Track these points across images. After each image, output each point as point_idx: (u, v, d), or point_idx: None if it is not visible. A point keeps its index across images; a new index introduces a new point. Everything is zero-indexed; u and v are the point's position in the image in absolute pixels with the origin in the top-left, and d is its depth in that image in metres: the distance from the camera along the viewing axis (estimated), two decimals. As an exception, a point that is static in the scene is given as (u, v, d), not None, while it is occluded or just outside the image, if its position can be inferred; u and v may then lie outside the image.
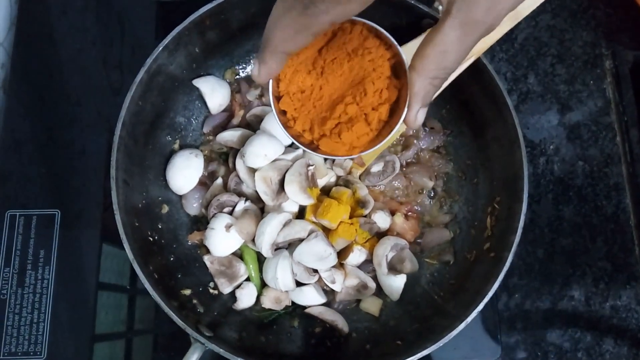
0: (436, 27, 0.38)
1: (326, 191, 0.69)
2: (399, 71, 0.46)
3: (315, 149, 0.49)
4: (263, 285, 0.68)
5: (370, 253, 0.68)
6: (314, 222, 0.66)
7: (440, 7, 0.63)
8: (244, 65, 0.75)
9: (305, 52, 0.47)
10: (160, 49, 0.62)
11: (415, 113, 0.43)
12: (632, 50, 0.84)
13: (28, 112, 0.77)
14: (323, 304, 0.68)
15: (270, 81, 0.47)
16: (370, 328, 0.68)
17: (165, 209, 0.69)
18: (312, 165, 0.66)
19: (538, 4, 0.57)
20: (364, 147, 0.48)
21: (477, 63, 0.61)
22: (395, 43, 0.45)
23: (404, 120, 0.44)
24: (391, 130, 0.46)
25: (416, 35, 0.61)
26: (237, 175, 0.68)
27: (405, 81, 0.44)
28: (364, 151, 0.48)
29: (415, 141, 0.73)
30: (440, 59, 0.39)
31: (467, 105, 0.70)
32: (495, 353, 0.70)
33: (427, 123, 0.74)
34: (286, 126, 0.49)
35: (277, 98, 0.48)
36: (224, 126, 0.73)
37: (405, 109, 0.43)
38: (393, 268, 0.67)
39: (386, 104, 0.46)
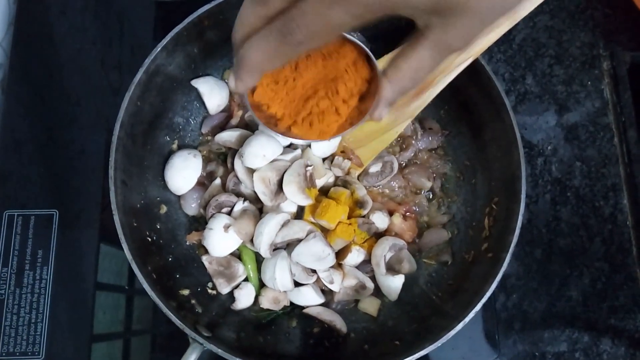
0: (411, 44, 0.41)
1: (324, 191, 0.69)
2: (370, 64, 0.48)
3: (286, 132, 0.50)
4: (261, 286, 0.68)
5: (369, 253, 0.68)
6: (312, 223, 0.66)
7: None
8: (243, 66, 0.75)
9: None
10: (159, 49, 0.62)
11: (381, 111, 0.46)
12: (630, 51, 0.84)
13: (27, 112, 0.77)
14: (321, 304, 0.68)
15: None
16: (368, 328, 0.68)
17: (164, 209, 0.70)
18: (310, 166, 0.66)
19: (536, 4, 0.57)
20: (335, 133, 0.50)
21: (475, 64, 0.61)
22: (367, 49, 0.48)
23: (370, 115, 0.47)
24: (361, 115, 0.48)
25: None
26: (236, 176, 0.69)
27: (375, 74, 0.47)
28: (334, 136, 0.50)
29: (413, 142, 0.73)
30: (411, 73, 0.43)
31: (465, 105, 0.70)
32: (493, 353, 0.70)
33: (426, 124, 0.74)
34: (259, 111, 0.50)
35: (252, 90, 0.50)
36: (223, 126, 0.73)
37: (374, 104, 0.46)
38: (391, 268, 0.67)
39: (356, 95, 0.48)
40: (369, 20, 0.37)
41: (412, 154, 0.73)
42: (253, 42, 0.40)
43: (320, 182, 0.68)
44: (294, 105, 0.49)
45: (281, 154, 0.67)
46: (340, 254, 0.67)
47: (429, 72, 0.43)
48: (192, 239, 0.70)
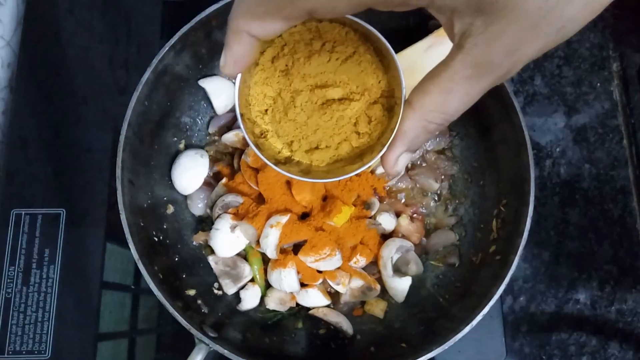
0: (444, 62, 0.32)
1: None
2: (390, 109, 0.41)
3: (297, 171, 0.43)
4: (267, 287, 0.68)
5: (376, 255, 0.68)
6: (319, 223, 0.66)
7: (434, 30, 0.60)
8: (250, 66, 0.75)
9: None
10: (167, 48, 0.62)
11: (398, 155, 0.36)
12: (639, 52, 0.84)
13: (34, 110, 0.77)
14: (327, 306, 0.68)
15: (238, 77, 0.40)
16: (374, 330, 0.68)
17: (171, 209, 0.69)
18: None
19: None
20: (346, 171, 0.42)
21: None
22: (400, 72, 0.39)
23: (382, 161, 0.38)
24: (363, 164, 0.41)
25: (423, 37, 0.61)
26: (242, 176, 0.68)
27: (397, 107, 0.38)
28: (337, 177, 0.42)
29: (421, 143, 0.72)
30: (442, 99, 0.33)
31: (474, 107, 0.68)
32: (500, 356, 0.70)
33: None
34: (258, 147, 0.43)
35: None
36: (230, 126, 0.73)
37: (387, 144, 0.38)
38: (398, 270, 0.66)
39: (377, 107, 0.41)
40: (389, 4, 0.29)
41: (420, 155, 0.73)
42: (243, 1, 0.33)
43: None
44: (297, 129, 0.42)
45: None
46: (347, 256, 0.67)
47: (463, 103, 0.33)
48: (198, 239, 0.69)
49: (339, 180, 0.66)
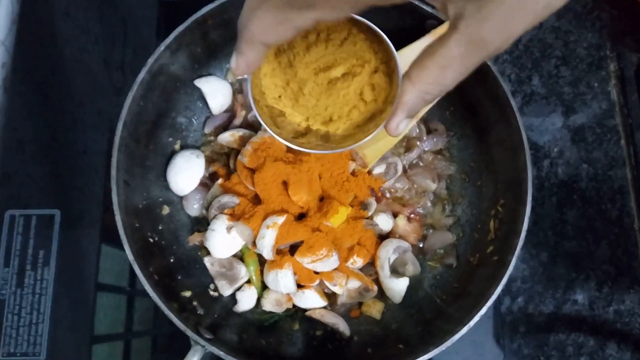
0: (440, 40, 0.36)
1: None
2: (390, 74, 0.46)
3: (315, 145, 0.48)
4: (264, 288, 0.68)
5: (373, 256, 0.68)
6: (316, 224, 0.66)
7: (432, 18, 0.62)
8: (246, 66, 0.75)
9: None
10: (162, 48, 0.62)
11: (398, 122, 0.40)
12: (637, 52, 0.84)
13: (29, 111, 0.77)
14: (324, 307, 0.67)
15: (249, 79, 0.45)
16: (372, 331, 0.67)
17: (166, 210, 0.69)
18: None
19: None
20: (350, 142, 0.47)
21: (482, 65, 0.60)
22: (390, 44, 0.45)
23: (385, 126, 0.42)
24: (376, 126, 0.45)
25: (420, 37, 0.61)
26: (238, 176, 0.68)
27: (395, 83, 0.43)
28: (355, 143, 0.47)
29: (418, 143, 0.72)
30: (439, 73, 0.36)
31: (471, 107, 0.69)
32: (498, 357, 0.70)
33: (431, 125, 0.73)
34: (277, 126, 0.48)
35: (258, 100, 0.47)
36: (226, 127, 0.73)
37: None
38: (395, 271, 0.66)
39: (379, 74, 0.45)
40: None
41: (417, 156, 0.73)
42: (255, 5, 0.36)
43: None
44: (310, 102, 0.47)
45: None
46: (344, 256, 0.67)
47: (457, 76, 0.37)
48: (194, 240, 0.69)
49: (336, 180, 0.66)
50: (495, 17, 0.32)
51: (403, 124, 0.40)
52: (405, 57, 0.62)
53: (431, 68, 0.36)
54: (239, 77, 0.70)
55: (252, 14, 0.36)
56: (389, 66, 0.46)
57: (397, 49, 0.50)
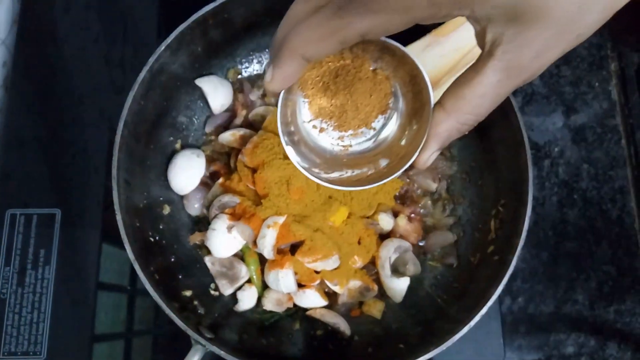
0: (475, 68, 0.35)
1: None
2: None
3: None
4: (264, 287, 0.68)
5: (373, 255, 0.68)
6: (317, 224, 0.66)
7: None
8: (247, 65, 0.74)
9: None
10: (163, 47, 0.62)
11: (430, 154, 0.39)
12: (638, 52, 0.84)
13: (30, 110, 0.77)
14: (325, 307, 0.67)
15: (282, 94, 0.41)
16: (372, 331, 0.67)
17: (167, 209, 0.69)
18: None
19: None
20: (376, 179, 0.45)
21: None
22: (428, 82, 0.40)
23: (415, 160, 0.41)
24: (406, 161, 0.42)
25: (420, 36, 0.61)
26: (239, 176, 0.68)
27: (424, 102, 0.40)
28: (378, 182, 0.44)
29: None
30: (477, 103, 0.35)
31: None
32: (499, 357, 0.69)
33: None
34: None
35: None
36: (226, 126, 0.73)
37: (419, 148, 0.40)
38: (396, 270, 0.66)
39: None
40: (428, 17, 0.32)
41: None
42: (298, 17, 0.34)
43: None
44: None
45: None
46: (345, 256, 0.66)
47: (494, 104, 0.36)
48: (195, 239, 0.69)
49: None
50: (534, 43, 0.32)
51: (434, 157, 0.40)
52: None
53: (469, 97, 0.35)
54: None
55: (295, 24, 0.34)
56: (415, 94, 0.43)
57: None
